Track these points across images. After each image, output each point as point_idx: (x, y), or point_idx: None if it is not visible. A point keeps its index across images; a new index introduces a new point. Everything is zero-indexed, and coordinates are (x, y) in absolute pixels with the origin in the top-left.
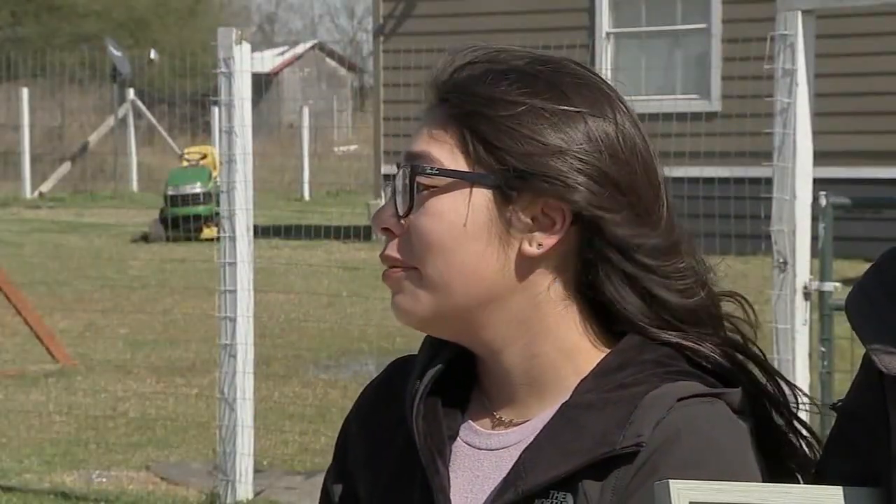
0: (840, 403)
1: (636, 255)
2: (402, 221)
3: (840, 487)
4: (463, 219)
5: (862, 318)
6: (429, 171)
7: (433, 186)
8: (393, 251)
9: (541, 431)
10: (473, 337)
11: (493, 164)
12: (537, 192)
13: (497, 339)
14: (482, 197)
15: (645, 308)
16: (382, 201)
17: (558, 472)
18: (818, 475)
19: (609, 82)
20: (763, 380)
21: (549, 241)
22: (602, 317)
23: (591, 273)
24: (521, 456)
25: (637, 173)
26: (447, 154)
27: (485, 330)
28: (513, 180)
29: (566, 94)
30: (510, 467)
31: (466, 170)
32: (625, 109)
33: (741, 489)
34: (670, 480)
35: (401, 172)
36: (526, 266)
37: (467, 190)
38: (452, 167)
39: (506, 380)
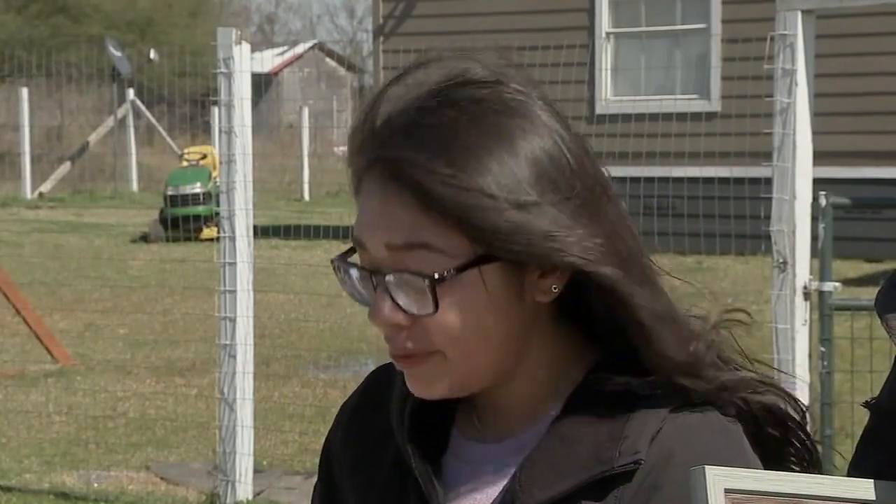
0: (873, 401)
1: (615, 297)
2: (413, 315)
3: (872, 481)
4: (484, 299)
5: (892, 312)
6: (447, 275)
7: (443, 280)
8: (416, 346)
9: (535, 448)
10: (484, 383)
11: (490, 239)
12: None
13: (502, 376)
14: (493, 271)
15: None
16: (339, 282)
17: (555, 493)
18: (852, 470)
19: (523, 88)
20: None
21: (560, 283)
22: (586, 330)
23: (585, 294)
24: (514, 474)
25: (594, 188)
26: (443, 238)
27: (495, 375)
28: (511, 253)
29: (516, 138)
30: (503, 483)
31: (470, 251)
32: (565, 136)
33: (775, 478)
34: (706, 467)
35: (399, 275)
36: (535, 311)
37: (478, 272)
38: (457, 251)
39: (497, 396)
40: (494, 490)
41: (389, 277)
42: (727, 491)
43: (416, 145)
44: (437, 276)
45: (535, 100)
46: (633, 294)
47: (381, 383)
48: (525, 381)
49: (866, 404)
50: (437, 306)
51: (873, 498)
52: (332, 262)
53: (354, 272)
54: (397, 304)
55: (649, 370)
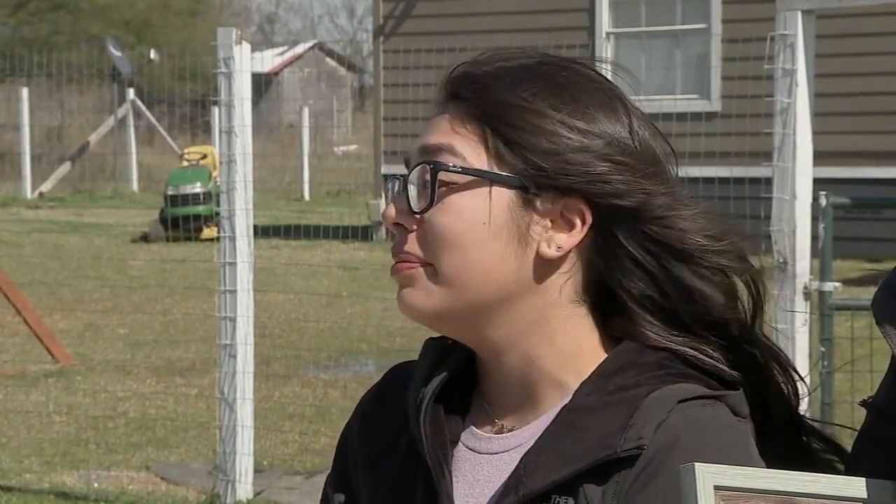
0: (870, 399)
1: (656, 249)
2: (417, 217)
3: (864, 479)
4: (484, 217)
5: (888, 314)
6: (452, 168)
7: (453, 183)
8: (410, 247)
9: (541, 435)
10: (479, 336)
11: (515, 163)
12: (559, 192)
13: (502, 340)
14: (503, 196)
15: (655, 308)
16: (383, 200)
17: (559, 477)
18: (848, 469)
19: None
20: (773, 377)
21: (568, 243)
22: (602, 320)
23: (606, 274)
24: (521, 460)
25: (648, 172)
26: (470, 149)
27: (492, 329)
28: (535, 181)
29: (582, 96)
30: (510, 471)
31: (488, 168)
32: (634, 109)
33: (767, 476)
34: (696, 463)
35: (419, 168)
36: (541, 268)
37: (487, 188)
38: (475, 164)
39: (506, 383)
40: (502, 479)
41: (411, 176)
42: (717, 488)
43: (492, 73)
44: (442, 163)
45: (620, 96)
46: (657, 203)
47: (399, 380)
48: (534, 365)
49: (864, 403)
50: (432, 199)
51: (865, 496)
52: (384, 178)
53: (395, 185)
54: (408, 204)
55: (676, 331)
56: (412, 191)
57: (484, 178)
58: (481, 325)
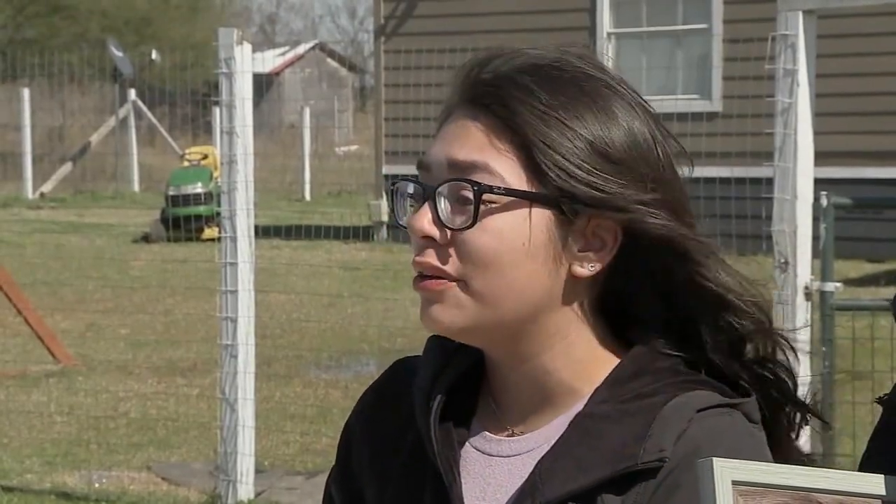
0: (886, 397)
1: (685, 268)
2: (448, 232)
3: (882, 476)
4: (523, 238)
5: None
6: (497, 190)
7: (492, 202)
8: (443, 263)
9: (556, 441)
10: (501, 348)
11: (552, 183)
12: (598, 213)
13: (523, 352)
14: (542, 216)
15: (669, 325)
16: (385, 200)
17: (577, 486)
18: (864, 465)
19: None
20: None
21: (600, 262)
22: (616, 325)
23: (624, 288)
24: (536, 466)
25: (676, 185)
26: (507, 168)
27: (515, 343)
28: (571, 202)
29: (616, 111)
30: (524, 476)
31: (528, 187)
32: (654, 117)
33: (783, 471)
34: (714, 459)
35: (454, 184)
36: (570, 285)
37: (527, 209)
38: (514, 183)
39: (518, 389)
40: (514, 483)
41: (441, 188)
42: (735, 483)
43: (518, 77)
44: (486, 185)
45: (638, 101)
46: (690, 246)
47: (400, 377)
48: (551, 375)
49: (879, 400)
50: (475, 219)
51: (883, 493)
52: (392, 181)
53: (411, 188)
54: (439, 217)
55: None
56: (444, 204)
57: (524, 199)
58: (506, 339)
